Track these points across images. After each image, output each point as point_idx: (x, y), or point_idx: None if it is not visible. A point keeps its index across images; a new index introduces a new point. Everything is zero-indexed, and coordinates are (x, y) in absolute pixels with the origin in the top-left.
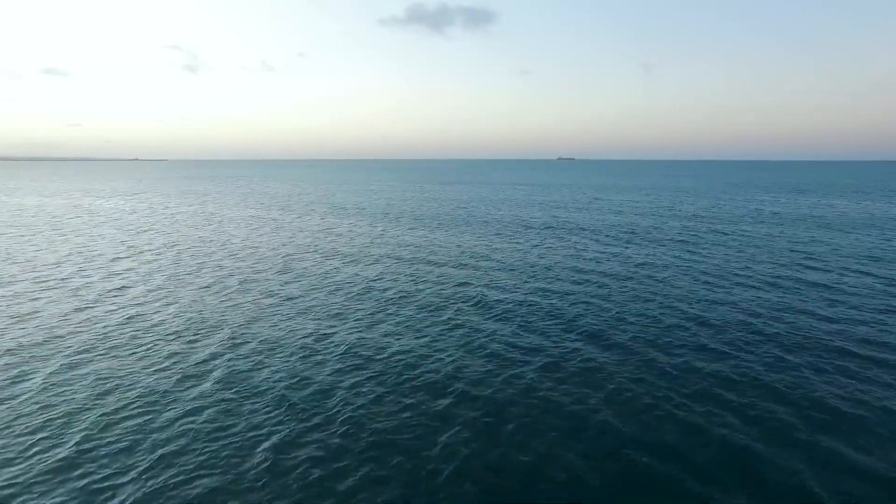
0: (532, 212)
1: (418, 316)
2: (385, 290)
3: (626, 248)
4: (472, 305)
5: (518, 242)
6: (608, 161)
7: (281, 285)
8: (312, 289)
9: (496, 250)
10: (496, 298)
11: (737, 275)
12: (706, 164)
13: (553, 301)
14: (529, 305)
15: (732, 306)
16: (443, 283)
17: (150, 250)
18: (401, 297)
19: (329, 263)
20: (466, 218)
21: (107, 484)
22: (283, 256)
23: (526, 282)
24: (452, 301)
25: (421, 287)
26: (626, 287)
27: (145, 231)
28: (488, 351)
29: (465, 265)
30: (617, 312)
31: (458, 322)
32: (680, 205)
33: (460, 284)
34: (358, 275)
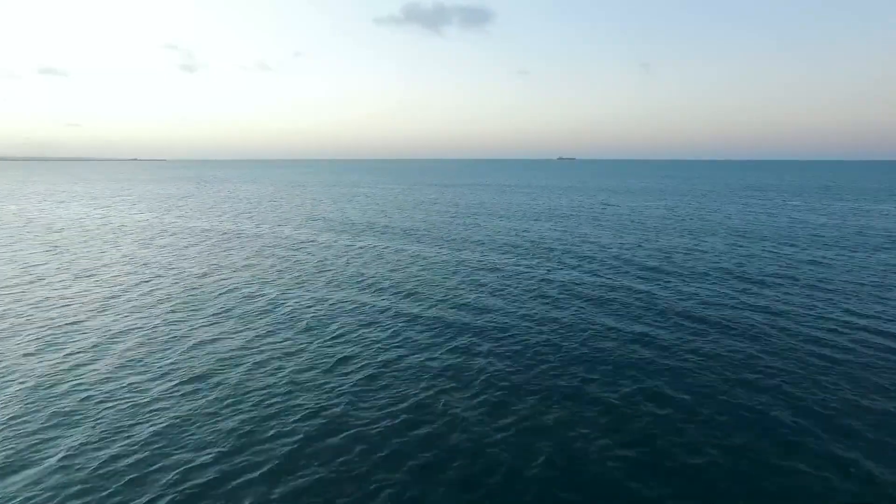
0: (538, 224)
1: (348, 444)
2: (312, 367)
3: (669, 284)
4: (446, 420)
5: (523, 277)
6: (609, 161)
7: (164, 354)
8: (197, 357)
9: (492, 291)
10: (488, 400)
11: (858, 342)
12: (710, 165)
13: (580, 404)
14: (539, 417)
15: (875, 414)
16: (411, 357)
17: (45, 278)
18: (333, 378)
19: (255, 303)
20: (458, 233)
21: None
22: (202, 297)
23: (536, 355)
24: (422, 397)
25: (373, 365)
26: (687, 368)
27: (66, 251)
28: None
29: (450, 324)
30: (687, 423)
31: (420, 438)
32: (706, 213)
33: (434, 362)
34: (286, 329)
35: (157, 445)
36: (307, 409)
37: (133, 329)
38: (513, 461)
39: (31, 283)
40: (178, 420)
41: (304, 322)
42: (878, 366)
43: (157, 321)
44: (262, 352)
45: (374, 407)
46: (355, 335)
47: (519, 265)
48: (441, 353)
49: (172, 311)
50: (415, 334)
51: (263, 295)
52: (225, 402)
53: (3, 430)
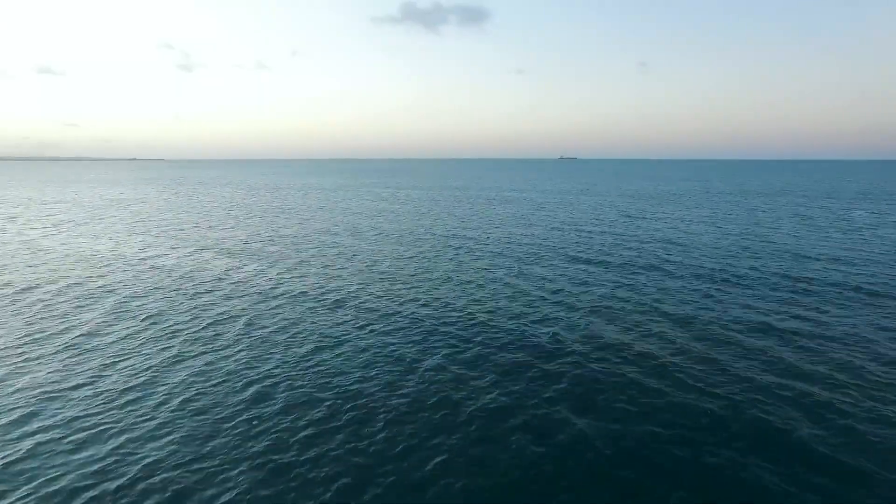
0: (545, 255)
1: None
2: None
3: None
4: None
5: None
6: (612, 160)
7: None
8: None
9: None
10: None
11: None
12: (714, 164)
13: None
14: None
15: None
16: None
17: None
18: None
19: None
20: (432, 271)
21: None
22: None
23: None
24: None
25: None
26: None
27: None
28: None
29: None
30: None
31: None
32: (769, 234)
33: None
34: None
35: None
36: None
37: None
38: None
39: None
40: None
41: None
42: None
43: None
44: None
45: None
46: None
47: (528, 373)
48: None
49: None
50: None
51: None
52: None
53: None
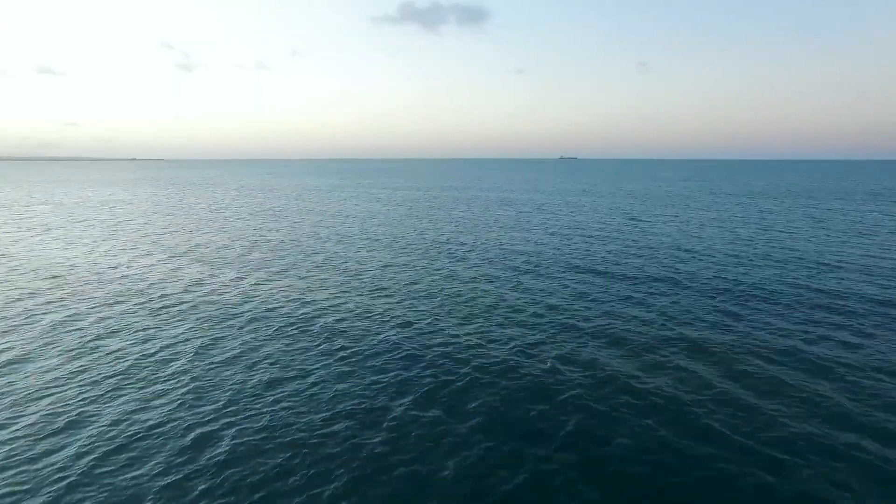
0: (544, 264)
1: None
2: None
3: None
4: None
5: None
6: (612, 160)
7: None
8: None
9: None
10: None
11: None
12: (713, 164)
13: None
14: None
15: None
16: None
17: None
18: None
19: None
20: (422, 282)
21: None
22: None
23: None
24: None
25: None
26: None
27: None
28: None
29: None
30: None
31: None
32: (791, 240)
33: None
34: None
35: None
36: None
37: None
38: None
39: None
40: None
41: None
42: None
43: None
44: None
45: None
46: None
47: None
48: None
49: None
50: None
51: None
52: None
53: None
